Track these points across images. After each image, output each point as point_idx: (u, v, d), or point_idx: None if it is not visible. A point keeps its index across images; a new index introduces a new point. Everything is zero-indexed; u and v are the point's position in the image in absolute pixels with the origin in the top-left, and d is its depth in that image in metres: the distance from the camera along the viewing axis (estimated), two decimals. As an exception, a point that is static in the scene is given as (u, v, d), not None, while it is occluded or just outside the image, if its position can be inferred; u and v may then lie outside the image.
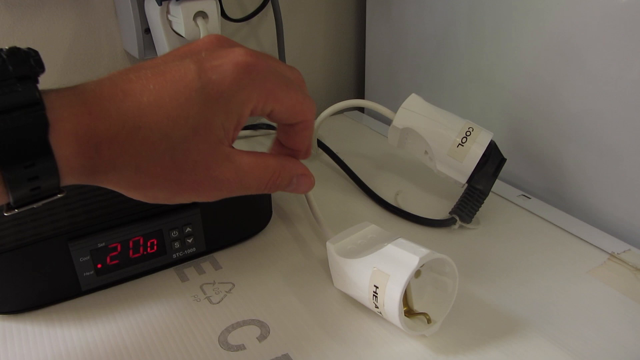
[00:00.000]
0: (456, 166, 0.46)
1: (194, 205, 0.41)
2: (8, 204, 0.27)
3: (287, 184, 0.35)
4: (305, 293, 0.40)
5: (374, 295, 0.35)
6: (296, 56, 0.75)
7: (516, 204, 0.51)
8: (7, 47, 0.27)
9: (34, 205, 0.28)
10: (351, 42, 0.80)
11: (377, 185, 0.54)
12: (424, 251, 0.34)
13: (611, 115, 0.46)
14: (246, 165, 0.32)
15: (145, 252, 0.40)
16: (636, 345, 0.35)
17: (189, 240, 0.42)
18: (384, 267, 0.34)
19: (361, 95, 0.82)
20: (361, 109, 0.78)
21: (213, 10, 0.54)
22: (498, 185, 0.54)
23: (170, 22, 0.55)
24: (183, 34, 0.53)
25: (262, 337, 0.36)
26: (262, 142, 0.65)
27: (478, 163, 0.46)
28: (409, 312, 0.36)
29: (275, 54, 0.71)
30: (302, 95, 0.34)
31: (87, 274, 0.39)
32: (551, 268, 0.42)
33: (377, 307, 0.35)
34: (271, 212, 0.48)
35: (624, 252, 0.44)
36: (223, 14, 0.63)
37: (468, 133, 0.46)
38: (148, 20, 0.57)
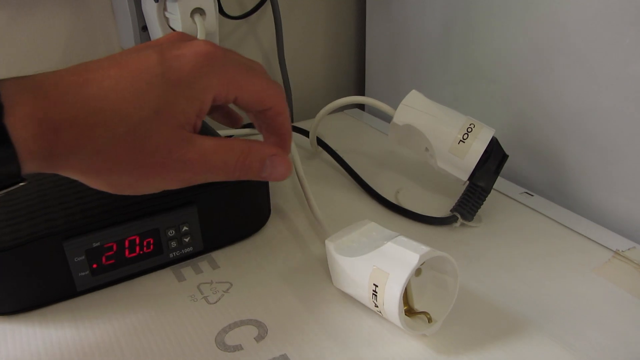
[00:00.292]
0: (457, 163, 0.46)
1: (191, 202, 0.40)
2: None
3: (259, 167, 0.34)
4: (304, 292, 0.39)
5: (373, 294, 0.34)
6: (295, 54, 0.75)
7: (519, 202, 0.50)
8: None
9: None
10: (351, 39, 0.79)
11: (377, 183, 0.53)
12: (424, 249, 0.33)
13: (614, 112, 0.45)
14: (210, 147, 0.32)
15: (141, 252, 0.40)
16: (642, 345, 0.34)
17: (186, 240, 0.41)
18: (383, 265, 0.34)
19: (361, 93, 0.81)
20: (361, 107, 0.77)
21: (210, 7, 0.53)
22: (500, 183, 0.53)
23: (167, 19, 0.54)
24: (180, 31, 0.53)
25: (259, 337, 0.35)
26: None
27: (480, 160, 0.45)
28: (409, 311, 0.36)
29: (274, 52, 0.70)
30: (266, 80, 0.34)
31: (82, 274, 0.38)
32: (555, 266, 0.42)
33: (377, 306, 0.35)
34: (270, 210, 0.47)
35: (629, 249, 0.43)
36: (221, 11, 0.62)
37: (469, 129, 0.46)
38: (145, 18, 0.57)
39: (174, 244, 0.41)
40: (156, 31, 0.55)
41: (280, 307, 0.38)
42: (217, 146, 0.32)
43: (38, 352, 0.35)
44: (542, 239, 0.45)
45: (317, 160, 0.60)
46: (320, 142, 0.59)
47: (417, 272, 0.36)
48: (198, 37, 0.52)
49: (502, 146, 0.46)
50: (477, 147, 0.45)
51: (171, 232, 0.40)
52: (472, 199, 0.46)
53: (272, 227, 0.47)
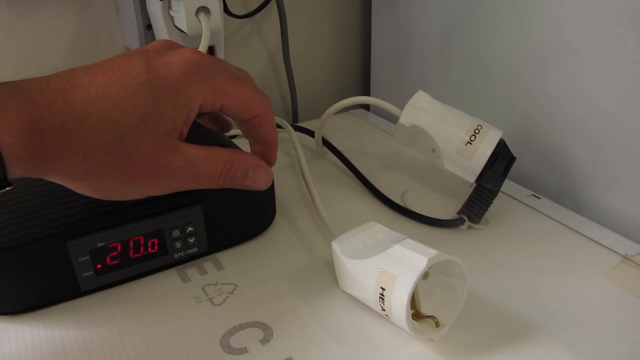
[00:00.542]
0: (464, 165, 0.45)
1: (196, 203, 0.40)
2: None
3: (242, 176, 0.35)
4: (309, 295, 0.39)
5: (380, 297, 0.34)
6: (300, 53, 0.74)
7: (526, 204, 0.50)
8: None
9: None
10: (356, 39, 0.79)
11: (383, 184, 0.52)
12: (432, 252, 0.33)
13: (622, 113, 0.45)
14: (196, 155, 0.32)
15: (146, 252, 0.39)
16: (652, 351, 0.34)
17: (191, 240, 0.41)
18: (391, 268, 0.33)
19: (366, 93, 0.81)
20: (366, 107, 0.77)
21: (215, 6, 0.53)
22: (507, 185, 0.53)
23: (172, 17, 0.54)
24: (185, 30, 0.52)
25: (265, 340, 0.35)
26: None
27: (487, 162, 0.45)
28: (416, 315, 0.35)
29: (279, 52, 0.70)
30: (252, 89, 0.34)
31: (87, 274, 0.38)
32: (563, 270, 0.41)
33: (384, 310, 0.34)
34: (275, 211, 0.47)
35: (638, 254, 0.43)
36: (226, 10, 0.62)
37: (477, 131, 0.45)
38: (150, 16, 0.56)
39: (178, 244, 0.40)
40: (161, 30, 0.55)
41: (285, 310, 0.38)
42: (203, 155, 0.33)
43: (42, 352, 0.34)
44: (550, 242, 0.45)
45: (322, 161, 0.60)
46: (326, 143, 0.59)
47: (425, 275, 0.35)
48: (203, 35, 0.52)
49: (510, 148, 0.46)
50: (484, 149, 0.45)
51: (176, 233, 0.40)
52: (479, 202, 0.46)
53: (277, 228, 0.47)
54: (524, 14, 0.51)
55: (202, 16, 0.52)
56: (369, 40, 0.75)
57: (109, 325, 0.36)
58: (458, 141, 0.45)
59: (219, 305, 0.38)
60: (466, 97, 0.60)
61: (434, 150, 0.48)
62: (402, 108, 0.48)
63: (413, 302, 0.35)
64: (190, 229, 0.40)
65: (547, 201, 0.51)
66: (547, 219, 0.48)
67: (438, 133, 0.46)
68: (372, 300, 0.35)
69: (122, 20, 0.60)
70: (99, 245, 0.37)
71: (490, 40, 0.55)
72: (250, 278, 0.41)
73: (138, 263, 0.40)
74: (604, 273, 0.41)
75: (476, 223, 0.46)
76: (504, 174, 0.45)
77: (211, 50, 0.57)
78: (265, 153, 0.38)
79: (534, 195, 0.52)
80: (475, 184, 0.46)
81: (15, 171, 0.28)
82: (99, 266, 0.38)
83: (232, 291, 0.39)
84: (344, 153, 0.58)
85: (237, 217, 0.43)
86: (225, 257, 0.43)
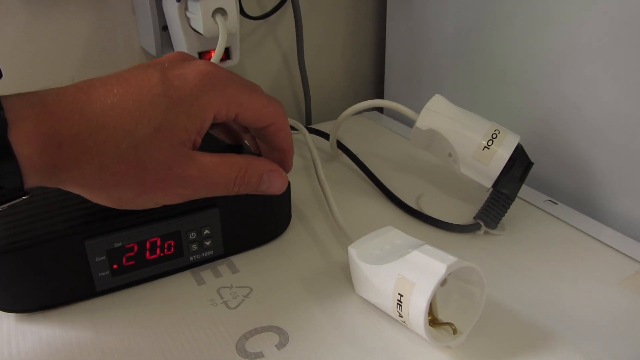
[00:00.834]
0: (481, 170, 0.45)
1: (213, 205, 0.40)
2: None
3: (257, 182, 0.36)
4: (325, 299, 0.39)
5: (398, 303, 0.33)
6: (314, 55, 0.74)
7: (542, 210, 0.50)
8: None
9: None
10: (371, 42, 0.79)
11: (397, 188, 0.52)
12: (451, 259, 0.32)
13: (644, 119, 0.44)
14: (210, 163, 0.33)
15: (162, 254, 0.39)
16: (673, 361, 0.33)
17: (207, 243, 0.41)
18: (409, 274, 0.33)
19: (380, 96, 0.81)
20: (380, 110, 0.76)
21: (232, 7, 0.53)
22: (523, 190, 0.52)
23: (188, 19, 0.54)
24: (201, 31, 0.52)
25: (281, 345, 0.35)
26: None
27: (504, 167, 0.44)
28: (433, 321, 0.35)
29: (293, 53, 0.70)
30: (266, 98, 0.35)
31: (103, 274, 0.38)
32: (580, 278, 0.41)
33: (401, 316, 0.34)
34: (290, 215, 0.46)
35: (657, 262, 0.42)
36: (241, 12, 0.62)
37: (494, 136, 0.45)
38: (166, 17, 0.56)
39: (194, 246, 0.40)
40: (177, 31, 0.55)
41: (301, 314, 0.37)
42: (217, 162, 0.33)
43: (57, 351, 0.34)
44: (567, 248, 0.44)
45: (336, 163, 0.59)
46: (340, 145, 0.59)
47: (443, 281, 0.35)
48: (220, 37, 0.52)
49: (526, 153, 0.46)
50: (502, 154, 0.44)
51: (192, 235, 0.40)
52: (495, 207, 0.45)
53: (293, 231, 0.47)
54: (539, 17, 0.50)
55: (218, 17, 0.52)
56: (384, 43, 0.74)
57: (124, 326, 0.36)
58: (475, 146, 0.45)
59: (234, 308, 0.38)
60: (481, 101, 0.60)
61: (450, 155, 0.47)
62: (416, 111, 0.48)
63: (430, 309, 0.35)
64: (206, 231, 0.40)
65: (564, 207, 0.50)
66: (564, 225, 0.47)
67: (455, 137, 0.46)
68: (389, 306, 0.34)
69: (138, 22, 0.60)
70: (116, 245, 0.37)
71: (506, 44, 0.55)
72: (266, 282, 0.41)
73: (154, 264, 0.40)
74: (621, 280, 0.40)
75: (493, 228, 0.45)
76: (522, 179, 0.45)
77: (227, 51, 0.57)
78: (282, 160, 0.38)
79: (550, 200, 0.51)
80: (492, 189, 0.46)
81: (31, 181, 0.29)
82: (115, 266, 0.38)
83: (247, 295, 0.39)
84: (358, 156, 0.57)
85: (253, 220, 0.43)
86: (240, 260, 0.43)
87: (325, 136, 0.61)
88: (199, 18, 0.52)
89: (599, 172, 0.49)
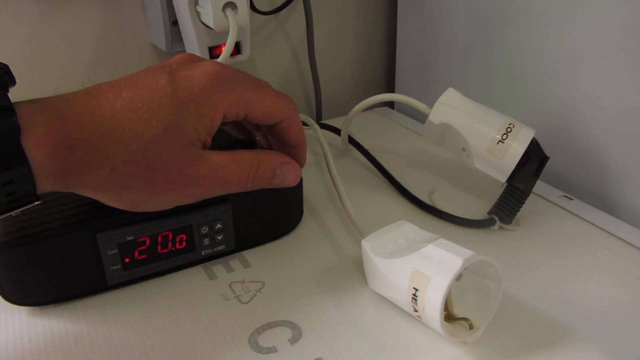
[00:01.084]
0: (496, 164, 0.44)
1: (225, 200, 0.40)
2: None
3: (271, 176, 0.35)
4: (338, 294, 0.38)
5: (412, 298, 0.33)
6: (324, 50, 0.73)
7: (558, 205, 0.49)
8: None
9: (12, 213, 0.29)
10: (381, 37, 0.78)
11: (410, 183, 0.52)
12: (467, 252, 0.32)
13: (662, 112, 0.44)
14: (221, 161, 0.33)
15: (173, 248, 0.39)
16: (695, 358, 0.33)
17: (219, 237, 0.41)
18: (424, 268, 0.32)
19: (390, 91, 0.80)
20: (391, 105, 0.76)
21: (242, 1, 0.52)
22: (538, 186, 0.52)
23: (198, 13, 0.54)
24: (212, 25, 0.52)
25: (294, 340, 0.34)
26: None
27: (519, 161, 0.44)
28: (448, 316, 0.34)
29: (303, 48, 0.69)
30: (275, 95, 0.35)
31: (114, 267, 0.38)
32: (598, 274, 0.40)
33: (416, 311, 0.33)
34: (302, 210, 0.46)
35: (676, 257, 0.41)
36: (252, 7, 0.62)
37: (509, 130, 0.44)
38: (176, 12, 0.56)
39: (206, 241, 0.40)
40: (187, 26, 0.54)
41: (314, 309, 0.37)
42: (228, 160, 0.33)
43: (69, 344, 0.34)
44: (583, 244, 0.44)
45: (347, 159, 0.59)
46: (351, 140, 0.58)
47: (458, 276, 0.34)
48: (230, 31, 0.51)
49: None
50: (516, 148, 0.44)
51: (204, 229, 0.40)
52: (510, 202, 0.45)
53: (305, 227, 0.46)
54: (554, 11, 0.49)
55: (229, 12, 0.52)
56: (394, 38, 0.74)
57: (135, 321, 0.36)
58: (489, 140, 0.44)
59: (247, 303, 0.38)
60: (493, 96, 0.59)
61: (463, 149, 0.47)
62: (429, 106, 0.47)
63: (445, 304, 0.34)
64: (218, 226, 0.40)
65: (579, 202, 0.49)
66: (580, 221, 0.47)
67: (469, 131, 0.45)
68: (404, 300, 0.34)
69: (148, 17, 0.60)
70: (128, 238, 0.37)
71: (519, 39, 0.54)
72: (278, 276, 0.40)
73: (165, 258, 0.39)
74: (639, 276, 0.40)
75: (507, 224, 0.45)
76: (537, 174, 0.44)
77: (237, 46, 0.56)
78: (294, 156, 0.38)
79: (566, 196, 0.50)
80: (506, 184, 0.45)
81: (44, 185, 0.29)
82: (126, 260, 0.38)
83: (260, 289, 0.39)
84: (369, 151, 0.57)
85: (266, 215, 0.43)
86: (252, 255, 0.43)
87: (336, 131, 0.61)
88: (209, 12, 0.52)
89: (615, 168, 0.48)
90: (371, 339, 0.34)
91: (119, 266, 0.38)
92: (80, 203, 0.38)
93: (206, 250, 0.41)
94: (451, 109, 0.46)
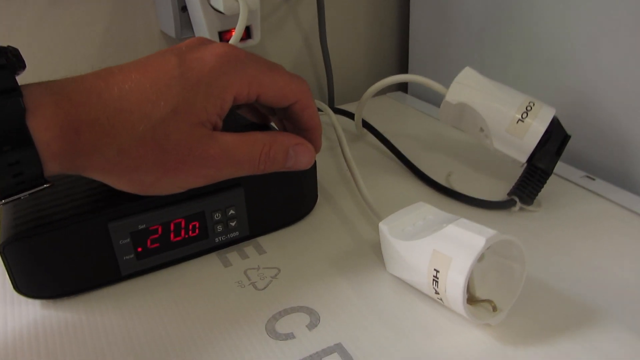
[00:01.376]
0: (516, 144, 0.43)
1: (238, 185, 0.39)
2: None
3: (284, 158, 0.35)
4: (355, 278, 0.37)
5: (434, 280, 0.32)
6: (336, 34, 0.72)
7: (580, 186, 0.47)
8: None
9: (20, 196, 0.29)
10: (394, 17, 0.76)
11: (426, 166, 0.50)
12: (490, 232, 0.31)
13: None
14: (231, 142, 0.32)
15: (186, 236, 0.38)
16: None
17: (232, 224, 0.40)
18: (445, 249, 0.31)
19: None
20: (404, 89, 0.75)
21: (252, -16, 0.51)
22: (559, 166, 0.50)
23: (208, -2, 0.53)
24: (221, 9, 0.51)
25: (312, 325, 0.34)
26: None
27: (540, 140, 0.42)
28: (470, 299, 0.33)
29: (315, 33, 0.68)
30: (288, 76, 0.34)
31: (127, 257, 0.37)
32: (622, 252, 0.39)
33: (437, 293, 0.32)
34: (317, 195, 0.45)
35: None
36: (262, -9, 0.61)
37: (529, 108, 0.43)
38: (185, -3, 0.55)
39: (219, 227, 0.39)
40: (196, 10, 0.53)
41: (331, 294, 0.36)
42: (239, 141, 0.32)
43: (84, 337, 0.34)
44: (607, 224, 0.42)
45: (362, 143, 0.58)
46: (365, 125, 0.57)
47: (480, 257, 0.33)
48: (240, 14, 0.50)
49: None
50: (537, 127, 0.42)
51: (217, 216, 0.39)
52: (531, 182, 0.43)
53: (320, 212, 0.45)
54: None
55: (238, -5, 0.51)
56: (407, 20, 0.72)
57: (150, 311, 0.36)
58: (509, 119, 0.43)
59: (263, 289, 0.37)
60: (511, 75, 0.57)
61: (482, 129, 0.45)
62: (444, 87, 0.46)
63: (468, 285, 0.33)
64: (231, 212, 0.39)
65: (602, 182, 0.48)
66: (603, 201, 0.45)
67: (487, 111, 0.44)
68: (424, 283, 0.33)
69: (157, 4, 0.59)
70: (140, 227, 0.36)
71: (538, 15, 0.52)
72: (294, 262, 0.39)
73: (179, 247, 0.39)
74: (669, 256, 0.38)
75: (528, 205, 0.43)
76: (558, 153, 0.43)
77: (247, 30, 0.55)
78: (310, 139, 0.37)
79: (588, 176, 0.49)
80: (526, 164, 0.44)
81: (51, 168, 0.29)
82: (139, 249, 0.37)
83: (275, 275, 0.38)
84: (384, 135, 0.56)
85: (279, 200, 0.42)
86: (267, 241, 0.42)
87: (350, 116, 0.60)
88: (218, -4, 0.51)
89: (638, 146, 0.47)
90: (391, 323, 0.34)
91: (132, 256, 0.37)
92: (91, 193, 0.37)
93: (220, 237, 0.40)
94: (469, 88, 0.45)
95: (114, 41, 0.60)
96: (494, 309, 0.33)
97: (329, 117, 0.54)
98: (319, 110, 0.55)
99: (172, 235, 0.38)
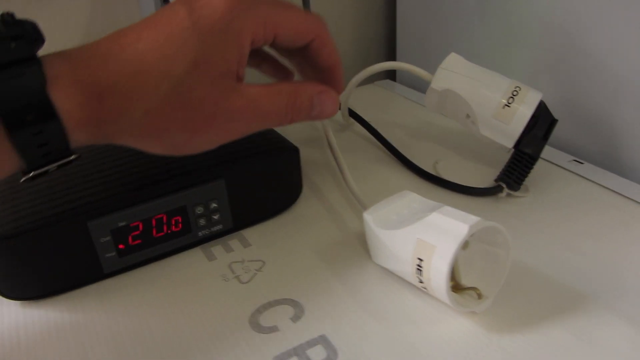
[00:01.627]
0: (502, 129, 0.42)
1: (219, 177, 0.38)
2: (24, 171, 0.28)
3: (309, 107, 0.33)
4: (341, 269, 0.37)
5: (417, 268, 0.31)
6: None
7: (568, 170, 0.47)
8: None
9: (48, 169, 0.28)
10: (381, 5, 0.76)
11: (413, 155, 0.50)
12: (473, 219, 0.30)
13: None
14: (257, 93, 0.31)
15: (169, 231, 0.38)
16: None
17: (215, 217, 0.39)
18: (428, 237, 0.31)
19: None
20: (392, 77, 0.74)
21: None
22: (547, 151, 0.50)
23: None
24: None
25: (296, 318, 0.33)
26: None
27: (527, 125, 0.42)
28: (456, 287, 0.33)
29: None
30: (304, 13, 0.32)
31: (109, 255, 0.37)
32: (611, 237, 0.38)
33: (422, 282, 0.32)
34: (301, 186, 0.44)
35: (695, 217, 0.40)
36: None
37: (515, 93, 0.42)
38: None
39: (202, 221, 0.39)
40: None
41: (316, 286, 0.36)
42: (264, 92, 0.31)
43: (66, 337, 0.33)
44: (597, 208, 0.42)
45: (349, 133, 0.57)
46: (352, 114, 0.57)
47: (465, 245, 0.33)
48: None
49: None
50: (523, 112, 0.42)
51: (199, 210, 0.38)
52: (518, 168, 0.43)
53: (305, 203, 0.45)
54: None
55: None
56: (394, 4, 0.71)
57: (134, 308, 0.35)
58: (495, 104, 0.42)
59: (247, 283, 0.36)
60: (499, 61, 0.57)
61: (468, 116, 0.45)
62: (433, 74, 0.45)
63: (453, 273, 0.33)
64: (214, 205, 0.39)
65: (590, 166, 0.47)
66: (592, 185, 0.45)
67: (473, 97, 0.43)
68: (409, 272, 0.33)
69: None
70: (120, 224, 0.36)
71: (526, 2, 0.52)
72: (278, 254, 0.39)
73: (161, 242, 0.38)
74: (657, 238, 0.38)
75: (516, 190, 0.43)
76: (545, 138, 0.42)
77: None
78: (331, 80, 0.35)
79: (576, 160, 0.48)
80: (513, 150, 0.43)
81: (78, 137, 0.28)
82: (121, 246, 0.37)
83: (260, 268, 0.38)
84: (371, 124, 0.55)
85: (263, 192, 0.41)
86: (251, 233, 0.41)
87: (336, 106, 0.59)
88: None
89: (626, 129, 0.46)
90: (376, 313, 0.33)
91: (113, 253, 0.37)
92: (69, 191, 0.36)
93: (203, 231, 0.39)
94: (454, 74, 0.44)
95: (96, 34, 0.59)
96: (480, 296, 0.32)
97: (314, 107, 0.53)
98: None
99: (154, 231, 0.37)
